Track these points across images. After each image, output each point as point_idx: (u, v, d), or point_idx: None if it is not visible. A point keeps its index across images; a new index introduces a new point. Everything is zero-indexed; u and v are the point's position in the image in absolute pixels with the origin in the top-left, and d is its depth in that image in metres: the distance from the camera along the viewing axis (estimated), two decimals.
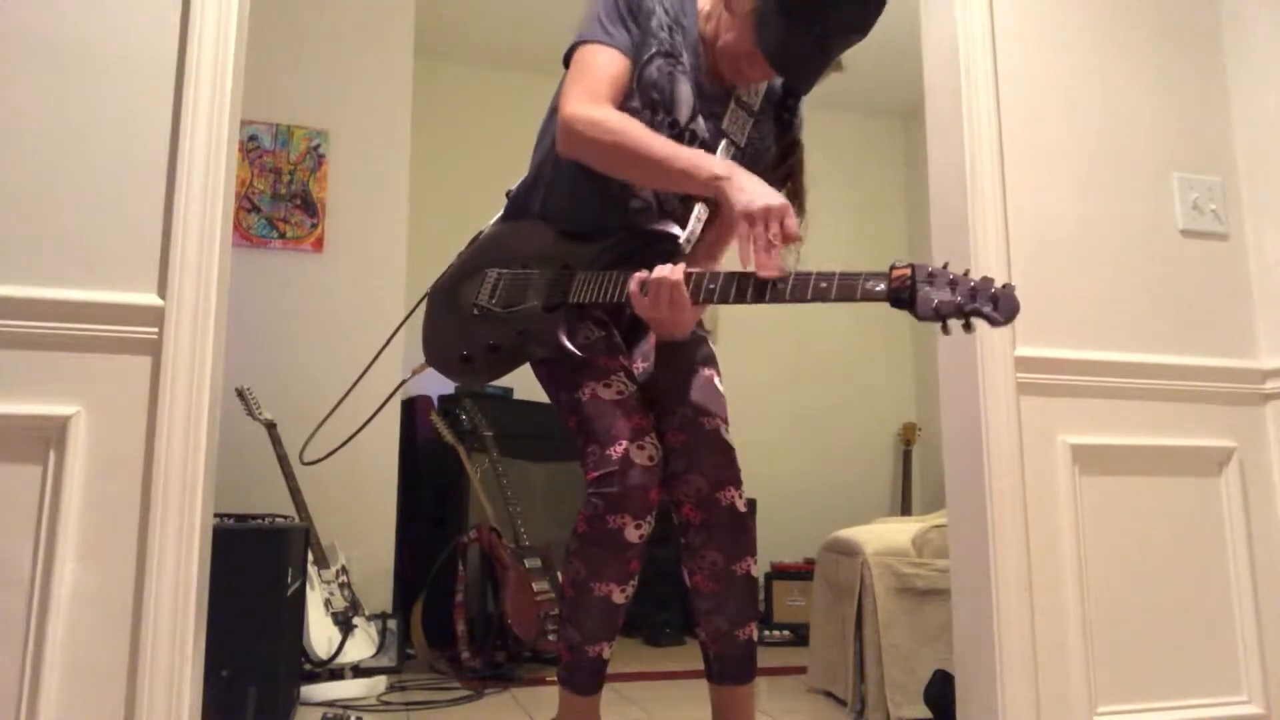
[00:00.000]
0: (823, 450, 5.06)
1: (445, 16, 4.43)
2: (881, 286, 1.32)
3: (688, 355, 1.67)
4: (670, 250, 1.59)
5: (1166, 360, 2.03)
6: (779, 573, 4.18)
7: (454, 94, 4.78)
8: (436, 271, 1.96)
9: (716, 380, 1.67)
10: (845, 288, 1.33)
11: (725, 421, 1.60)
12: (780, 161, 1.69)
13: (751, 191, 1.42)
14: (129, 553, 1.47)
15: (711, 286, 1.43)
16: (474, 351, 1.60)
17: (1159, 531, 1.97)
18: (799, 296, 1.35)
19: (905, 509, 4.96)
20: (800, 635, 3.91)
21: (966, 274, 1.31)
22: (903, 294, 1.31)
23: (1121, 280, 2.05)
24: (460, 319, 1.64)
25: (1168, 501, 1.99)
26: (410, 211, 3.81)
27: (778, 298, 1.37)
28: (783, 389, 4.90)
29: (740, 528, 1.55)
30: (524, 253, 1.64)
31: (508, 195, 1.75)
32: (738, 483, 1.56)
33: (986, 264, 1.93)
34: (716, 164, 1.47)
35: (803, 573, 4.12)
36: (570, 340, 1.54)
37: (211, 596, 1.58)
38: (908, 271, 1.31)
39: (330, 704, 2.69)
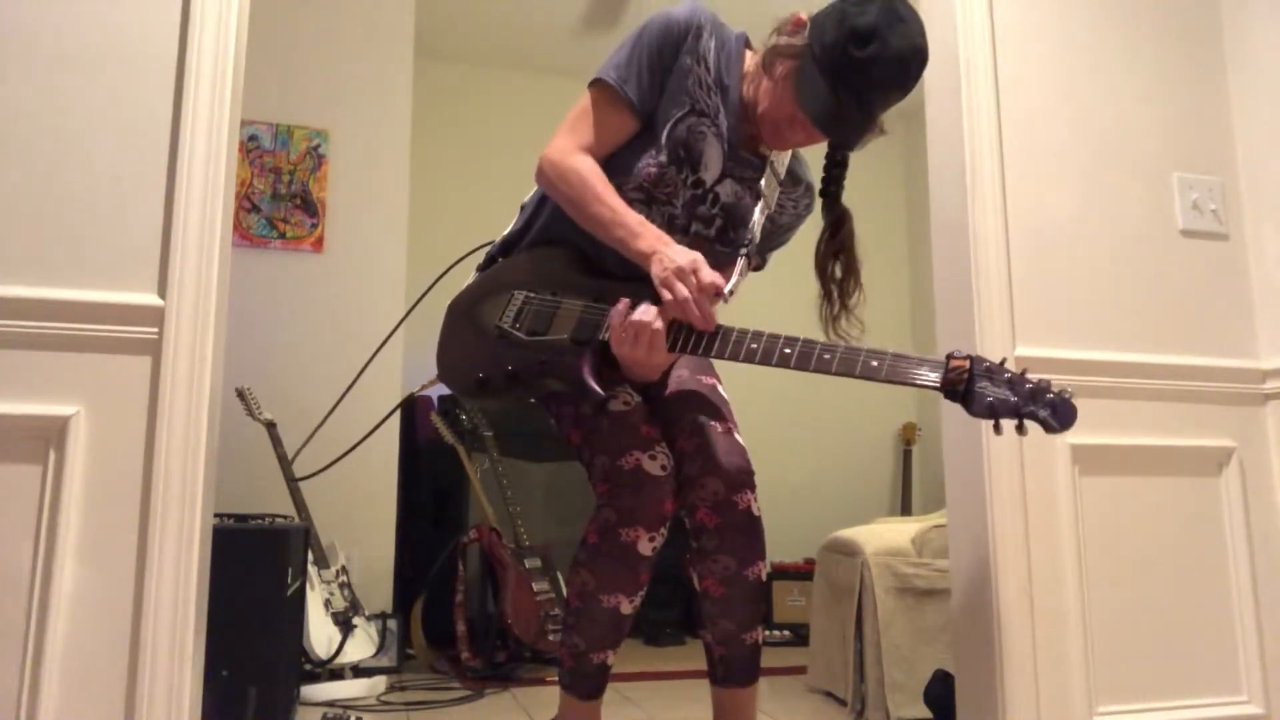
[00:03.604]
0: (823, 450, 5.06)
1: (445, 16, 4.43)
2: (935, 376, 1.29)
3: (689, 366, 1.66)
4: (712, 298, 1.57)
5: (1166, 360, 2.03)
6: (779, 573, 4.18)
7: (454, 94, 4.78)
8: (436, 271, 1.96)
9: (720, 388, 1.66)
10: (896, 371, 1.29)
11: (735, 425, 1.59)
12: (832, 235, 1.63)
13: (668, 262, 1.40)
14: (129, 553, 1.47)
15: (701, 343, 1.39)
16: (491, 375, 1.53)
17: (1159, 532, 1.97)
18: (845, 371, 1.31)
19: (905, 509, 4.96)
20: (800, 635, 3.91)
21: (1024, 373, 1.28)
22: (958, 386, 1.28)
23: (1121, 280, 2.05)
24: (480, 339, 1.57)
25: (1168, 501, 1.99)
26: (410, 211, 3.82)
27: (823, 368, 1.32)
28: (783, 389, 4.89)
29: (754, 532, 1.52)
30: (556, 279, 1.57)
31: (522, 208, 1.72)
32: (754, 486, 1.53)
33: (986, 264, 1.93)
34: (647, 240, 1.45)
35: (803, 573, 4.12)
36: (595, 379, 1.46)
37: (211, 596, 1.58)
38: (966, 364, 1.28)
39: (330, 704, 2.69)
